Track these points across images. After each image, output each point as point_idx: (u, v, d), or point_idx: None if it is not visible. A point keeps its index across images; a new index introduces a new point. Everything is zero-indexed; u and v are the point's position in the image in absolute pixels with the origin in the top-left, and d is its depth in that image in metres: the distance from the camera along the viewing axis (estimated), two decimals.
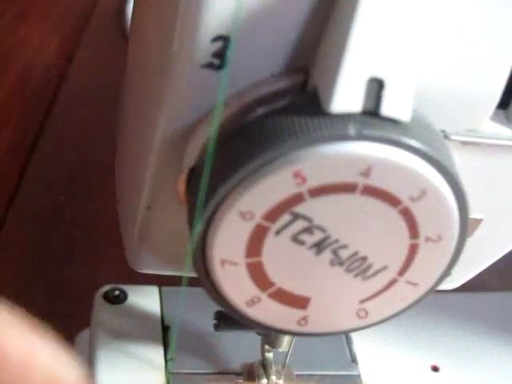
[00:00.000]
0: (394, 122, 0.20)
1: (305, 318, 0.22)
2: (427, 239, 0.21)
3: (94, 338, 0.34)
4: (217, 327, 0.32)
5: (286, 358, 0.32)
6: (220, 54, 0.20)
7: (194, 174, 0.21)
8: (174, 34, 0.21)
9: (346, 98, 0.19)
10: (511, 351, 0.38)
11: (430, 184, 0.20)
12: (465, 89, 0.22)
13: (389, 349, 0.37)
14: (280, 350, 0.33)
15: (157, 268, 0.26)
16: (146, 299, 0.36)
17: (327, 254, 0.21)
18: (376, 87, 0.19)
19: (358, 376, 0.35)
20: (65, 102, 0.56)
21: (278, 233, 0.20)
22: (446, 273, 0.22)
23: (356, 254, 0.21)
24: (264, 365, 0.33)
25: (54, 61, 0.58)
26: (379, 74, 0.19)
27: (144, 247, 0.25)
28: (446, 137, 0.23)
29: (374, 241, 0.21)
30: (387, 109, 0.20)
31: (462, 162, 0.24)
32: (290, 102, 0.20)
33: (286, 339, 0.32)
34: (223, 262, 0.21)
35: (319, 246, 0.21)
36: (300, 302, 0.22)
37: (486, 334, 0.38)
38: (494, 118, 0.23)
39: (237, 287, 0.21)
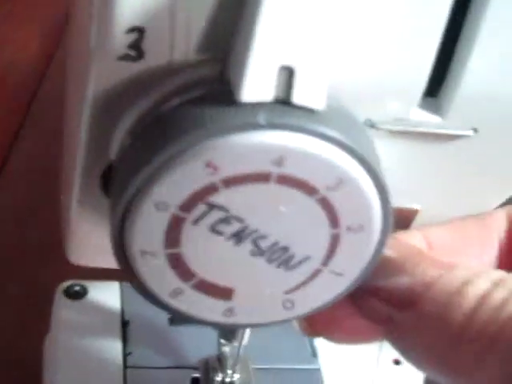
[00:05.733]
0: (307, 110, 0.20)
1: (230, 310, 0.22)
2: (348, 229, 0.21)
3: (53, 333, 0.35)
4: (172, 321, 0.33)
5: (238, 351, 0.32)
6: (136, 46, 0.20)
7: (112, 169, 0.21)
8: (92, 27, 0.21)
9: (257, 86, 0.19)
10: None
11: (347, 173, 0.20)
12: (389, 77, 0.22)
13: None
14: (236, 343, 0.33)
15: (92, 261, 0.26)
16: (106, 294, 0.36)
17: (247, 245, 0.21)
18: (287, 76, 0.19)
19: (319, 370, 0.35)
20: (45, 99, 0.56)
21: (195, 223, 0.20)
22: (373, 263, 0.22)
23: (276, 244, 0.21)
24: (220, 359, 0.33)
25: (36, 59, 0.59)
26: (289, 63, 0.19)
27: (78, 240, 0.25)
28: (373, 126, 0.23)
29: (294, 231, 0.21)
30: (299, 97, 0.19)
31: (393, 151, 0.24)
32: (205, 92, 0.20)
33: (241, 333, 0.32)
34: (143, 253, 0.21)
35: (238, 237, 0.21)
36: (224, 293, 0.22)
37: None
38: (424, 106, 0.23)
39: (159, 278, 0.21)
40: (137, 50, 0.20)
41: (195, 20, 0.20)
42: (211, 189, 0.20)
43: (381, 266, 0.22)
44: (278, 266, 0.21)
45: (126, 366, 0.34)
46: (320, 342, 0.36)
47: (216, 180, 0.20)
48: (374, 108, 0.22)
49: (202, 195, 0.20)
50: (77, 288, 0.36)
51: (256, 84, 0.19)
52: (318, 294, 0.22)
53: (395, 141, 0.23)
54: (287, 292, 0.22)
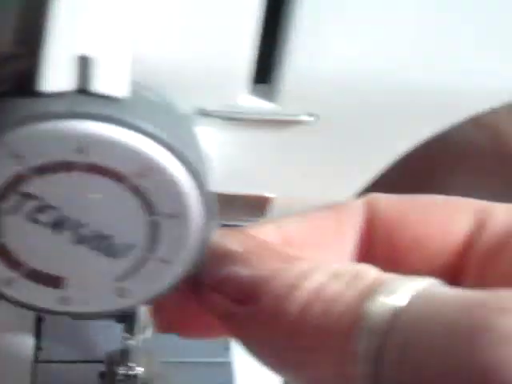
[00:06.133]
0: (109, 99, 0.20)
1: (64, 298, 0.22)
2: (166, 216, 0.21)
3: None
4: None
5: (138, 344, 0.32)
6: None
7: None
8: None
9: (56, 76, 0.20)
10: None
11: (153, 160, 0.20)
12: (211, 64, 0.22)
13: None
14: (142, 337, 0.33)
15: None
16: None
17: (67, 233, 0.21)
18: (85, 65, 0.20)
19: (230, 363, 0.35)
20: None
21: (12, 212, 0.21)
22: (199, 249, 0.22)
23: (96, 232, 0.21)
24: (122, 352, 0.33)
25: None
26: (85, 52, 0.20)
27: None
28: (207, 114, 0.23)
29: (110, 218, 0.21)
30: (98, 86, 0.20)
31: (232, 138, 0.24)
32: (16, 83, 0.21)
33: (141, 327, 0.32)
34: None
35: (56, 225, 0.21)
36: (55, 282, 0.22)
37: None
38: (257, 93, 0.23)
39: None
40: None
41: (8, 15, 0.21)
42: (21, 178, 0.20)
43: (223, 259, 0.22)
44: (103, 254, 0.22)
45: (37, 361, 0.35)
46: None
47: (24, 169, 0.20)
48: (203, 96, 0.22)
49: (13, 185, 0.20)
50: None
51: (55, 74, 0.20)
52: (149, 282, 0.22)
53: (233, 128, 0.23)
54: (118, 280, 0.22)
